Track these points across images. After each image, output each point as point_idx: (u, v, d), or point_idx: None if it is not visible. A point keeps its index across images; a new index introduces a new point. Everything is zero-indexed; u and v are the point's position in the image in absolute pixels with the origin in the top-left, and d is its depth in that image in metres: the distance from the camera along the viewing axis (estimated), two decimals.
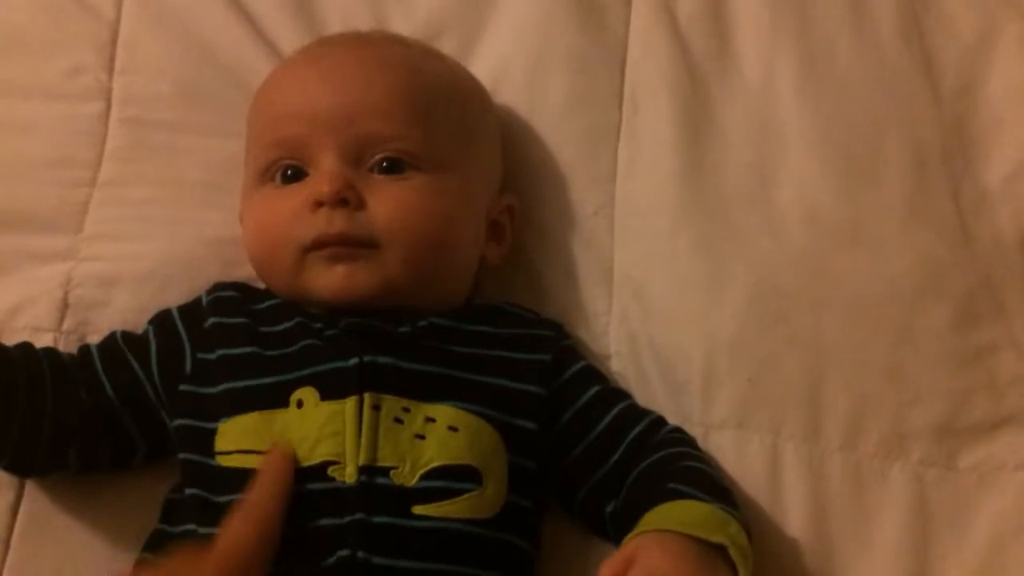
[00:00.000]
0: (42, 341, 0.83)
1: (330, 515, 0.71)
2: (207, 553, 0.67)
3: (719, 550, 0.69)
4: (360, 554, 0.70)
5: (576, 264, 0.90)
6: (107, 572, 0.78)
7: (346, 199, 0.77)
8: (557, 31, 0.95)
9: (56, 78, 0.92)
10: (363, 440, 0.72)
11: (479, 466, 0.74)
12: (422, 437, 0.74)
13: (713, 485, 0.76)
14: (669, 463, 0.77)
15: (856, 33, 0.95)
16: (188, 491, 0.74)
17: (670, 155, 0.91)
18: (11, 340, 0.80)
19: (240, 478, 0.72)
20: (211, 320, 0.80)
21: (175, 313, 0.83)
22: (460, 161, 0.82)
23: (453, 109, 0.84)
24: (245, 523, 0.69)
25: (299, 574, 0.70)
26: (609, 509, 0.78)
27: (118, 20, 0.94)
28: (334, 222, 0.77)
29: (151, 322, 0.83)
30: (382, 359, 0.76)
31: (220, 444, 0.74)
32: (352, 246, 0.77)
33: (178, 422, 0.78)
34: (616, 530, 0.76)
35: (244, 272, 0.85)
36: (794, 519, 0.82)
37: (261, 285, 0.84)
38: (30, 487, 0.81)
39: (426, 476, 0.73)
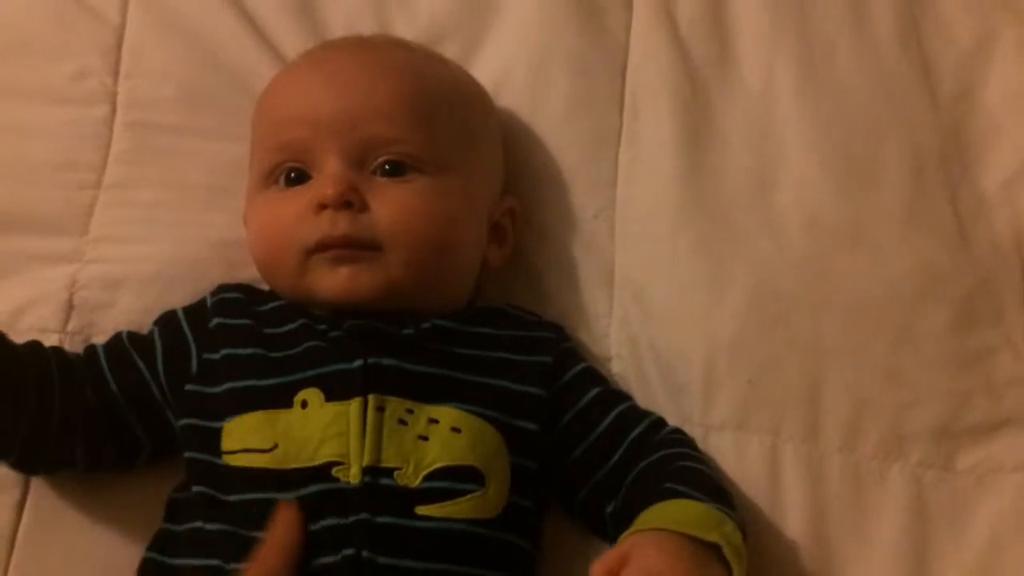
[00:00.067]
0: (47, 342, 0.82)
1: (334, 515, 0.72)
2: None
3: (714, 549, 0.70)
4: (364, 554, 0.71)
5: (577, 267, 0.90)
6: (111, 569, 0.79)
7: (350, 201, 0.78)
8: (558, 35, 0.95)
9: (61, 82, 0.93)
10: (367, 441, 0.73)
11: (481, 467, 0.75)
12: (425, 438, 0.74)
13: (709, 485, 0.76)
14: (667, 463, 0.78)
15: (855, 38, 0.96)
16: (195, 489, 0.75)
17: (670, 159, 0.92)
18: (17, 340, 0.80)
19: (246, 477, 0.73)
20: (216, 321, 0.81)
21: (180, 314, 0.83)
22: (462, 164, 0.83)
23: (455, 112, 0.84)
24: None
25: (304, 574, 0.71)
26: (609, 509, 0.79)
27: (123, 24, 0.95)
28: (338, 224, 0.78)
29: (156, 323, 0.84)
30: (386, 361, 0.76)
31: (226, 443, 0.75)
32: (355, 248, 0.78)
33: (184, 422, 0.78)
34: (616, 530, 0.76)
35: (248, 274, 0.86)
36: (793, 520, 0.82)
37: (265, 287, 0.85)
38: (36, 485, 0.81)
39: (429, 477, 0.73)
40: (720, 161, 0.92)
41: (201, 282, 0.86)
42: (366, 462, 0.73)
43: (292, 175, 0.81)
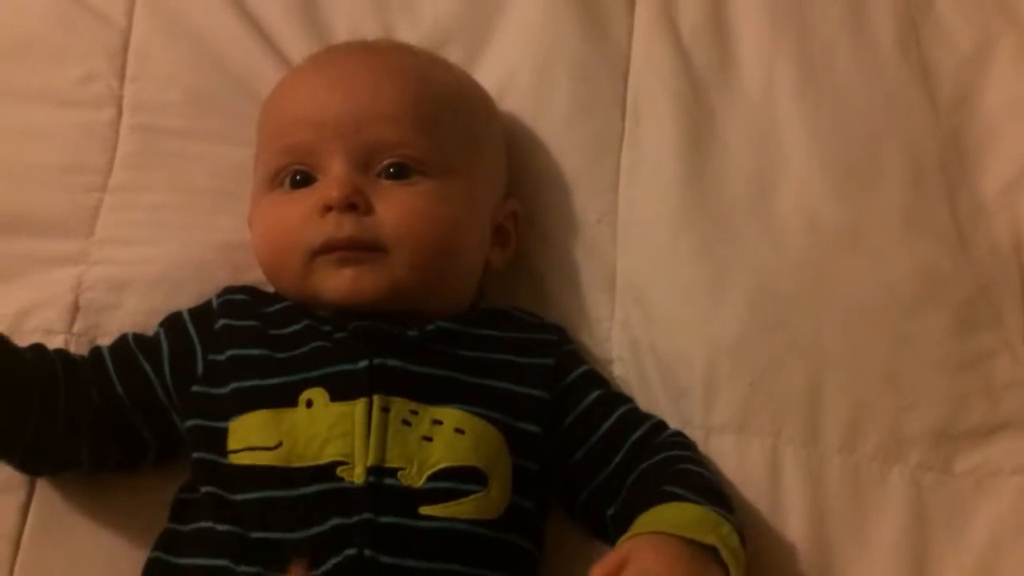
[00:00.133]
0: (53, 343, 0.84)
1: (338, 514, 0.72)
2: None
3: (711, 551, 0.70)
4: (367, 553, 0.71)
5: (579, 270, 0.91)
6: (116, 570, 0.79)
7: (355, 204, 0.79)
8: (561, 41, 0.96)
9: (68, 85, 0.93)
10: (372, 441, 0.74)
11: (484, 468, 0.75)
12: (429, 439, 0.75)
13: (708, 488, 0.77)
14: (667, 466, 0.78)
15: (855, 44, 0.97)
16: (203, 489, 0.75)
17: (672, 163, 0.92)
18: (22, 342, 0.80)
19: (251, 475, 0.74)
20: (221, 322, 0.81)
21: (186, 316, 0.84)
22: (466, 167, 0.84)
23: (459, 116, 0.85)
24: None
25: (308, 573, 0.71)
26: (610, 512, 0.79)
27: (129, 28, 0.95)
28: (343, 226, 0.78)
29: (162, 325, 0.84)
30: (391, 362, 0.77)
31: (231, 442, 0.75)
32: (360, 250, 0.79)
33: (190, 423, 0.79)
34: (616, 532, 0.76)
35: (253, 276, 0.86)
36: (794, 522, 0.82)
37: (270, 289, 0.85)
38: (41, 487, 0.81)
39: (433, 477, 0.74)
40: (721, 165, 0.92)
41: (207, 284, 0.86)
42: (370, 462, 0.73)
43: (297, 177, 0.82)
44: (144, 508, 0.80)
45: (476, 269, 0.86)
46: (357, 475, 0.73)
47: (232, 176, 0.90)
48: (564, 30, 0.96)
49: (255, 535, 0.72)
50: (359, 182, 0.80)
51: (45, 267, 0.88)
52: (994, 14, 0.98)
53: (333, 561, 0.71)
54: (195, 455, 0.77)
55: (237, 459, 0.75)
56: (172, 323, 0.84)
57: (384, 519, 0.72)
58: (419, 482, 0.74)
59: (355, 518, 0.72)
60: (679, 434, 0.83)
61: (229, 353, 0.79)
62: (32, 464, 0.79)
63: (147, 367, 0.81)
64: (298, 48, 0.95)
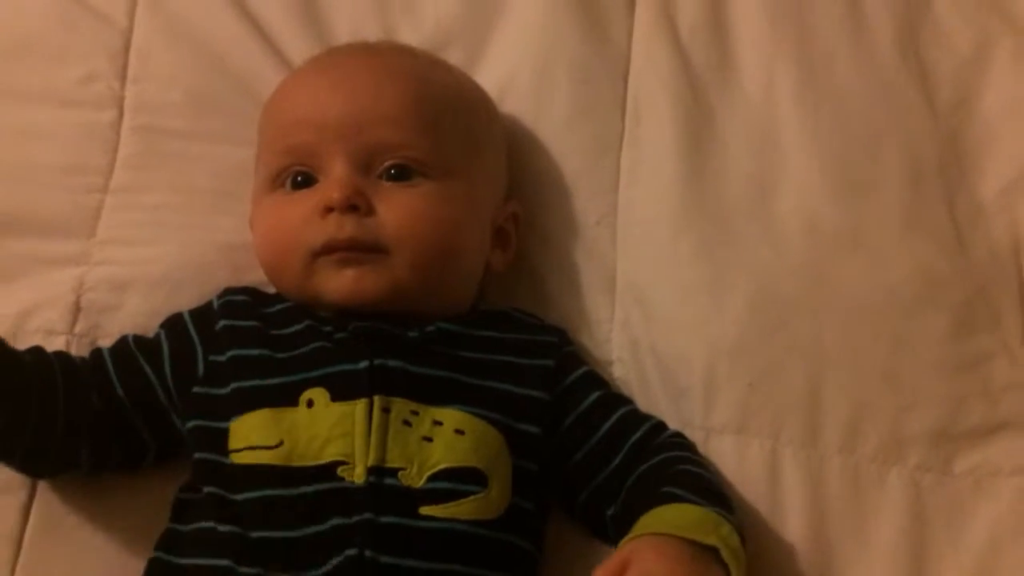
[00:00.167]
0: (54, 344, 0.84)
1: (338, 514, 0.72)
2: None
3: (712, 552, 0.70)
4: (368, 553, 0.71)
5: (579, 271, 0.91)
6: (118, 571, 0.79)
7: (356, 205, 0.79)
8: (561, 43, 0.96)
9: (69, 86, 0.93)
10: (372, 441, 0.74)
11: (484, 469, 0.75)
12: (429, 440, 0.75)
13: (708, 488, 0.77)
14: (667, 467, 0.79)
15: (854, 46, 0.97)
16: (205, 490, 0.75)
17: (672, 164, 0.93)
18: (24, 342, 0.82)
19: (252, 474, 0.74)
20: (222, 323, 0.81)
21: (187, 317, 0.84)
22: (466, 169, 0.84)
23: (460, 118, 0.85)
24: None
25: (307, 573, 0.71)
26: (610, 513, 0.79)
27: (131, 29, 0.96)
28: (344, 227, 0.79)
29: (163, 326, 0.84)
30: (391, 363, 0.77)
31: (232, 442, 0.76)
32: (361, 251, 0.79)
33: (192, 424, 0.79)
34: (616, 533, 0.77)
35: (254, 277, 0.86)
36: (793, 522, 0.83)
37: (271, 290, 0.85)
38: (42, 487, 0.82)
39: (433, 478, 0.74)
40: (721, 166, 0.93)
41: (207, 285, 0.86)
42: (371, 462, 0.73)
43: (298, 178, 0.82)
44: (145, 508, 0.80)
45: (476, 270, 0.86)
46: (357, 475, 0.73)
47: (233, 177, 0.90)
48: (564, 32, 0.96)
49: (255, 534, 0.72)
50: (360, 183, 0.80)
51: (46, 268, 0.88)
52: (992, 16, 0.98)
53: (334, 561, 0.71)
54: (196, 455, 0.77)
55: (238, 458, 0.75)
56: (173, 324, 0.84)
57: (384, 519, 0.72)
58: (419, 482, 0.74)
59: (355, 518, 0.72)
60: (679, 435, 0.83)
61: (230, 353, 0.79)
62: (32, 466, 0.79)
63: (148, 369, 0.81)
64: (299, 49, 0.95)
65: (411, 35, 0.97)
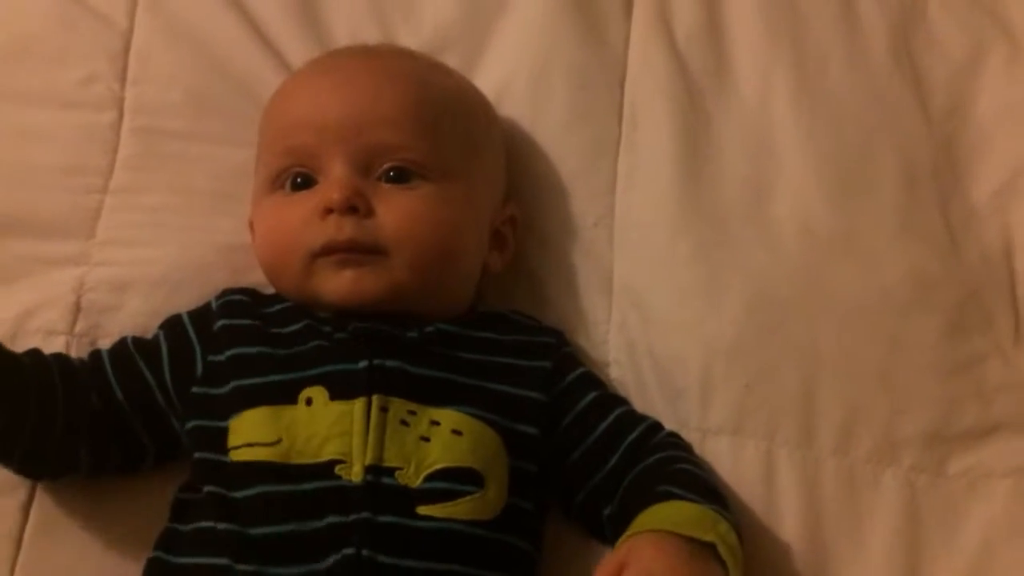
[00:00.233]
0: (54, 344, 0.85)
1: (336, 512, 0.72)
2: None
3: (710, 548, 0.71)
4: (365, 552, 0.71)
5: (576, 273, 0.91)
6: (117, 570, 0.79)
7: (355, 206, 0.79)
8: (559, 47, 0.97)
9: (69, 87, 0.94)
10: (370, 440, 0.74)
11: (481, 469, 0.76)
12: (427, 439, 0.76)
13: (704, 487, 0.77)
14: (663, 466, 0.79)
15: (848, 52, 0.98)
16: (205, 489, 0.76)
17: (668, 168, 0.93)
18: (24, 342, 0.82)
19: (250, 471, 0.74)
20: (221, 322, 0.82)
21: (185, 318, 0.84)
22: (465, 172, 0.84)
23: (459, 121, 0.86)
24: None
25: (304, 571, 0.72)
26: (607, 512, 0.80)
27: (131, 30, 0.96)
28: (343, 229, 0.79)
29: (161, 327, 0.85)
30: (390, 363, 0.77)
31: (232, 439, 0.76)
32: (360, 252, 0.79)
33: (191, 424, 0.79)
34: (613, 533, 0.77)
35: (253, 278, 0.87)
36: (789, 523, 0.83)
37: (269, 291, 0.86)
38: (42, 487, 0.82)
39: (430, 477, 0.74)
40: (717, 170, 0.93)
41: (207, 286, 0.86)
42: (368, 461, 0.74)
43: (298, 180, 0.83)
44: (145, 508, 0.81)
45: (474, 272, 0.87)
46: (355, 473, 0.73)
47: (232, 178, 0.91)
48: (561, 36, 0.97)
49: (253, 531, 0.73)
50: (360, 185, 0.80)
51: (46, 268, 0.88)
52: (985, 22, 0.99)
53: (331, 559, 0.71)
54: (196, 455, 0.78)
55: (237, 455, 0.75)
56: (171, 325, 0.84)
57: (382, 518, 0.72)
58: (416, 482, 0.74)
59: (353, 516, 0.72)
60: (674, 435, 0.83)
61: (229, 353, 0.79)
62: (30, 468, 0.79)
63: (146, 371, 0.81)
64: (298, 51, 0.95)
65: (409, 38, 0.97)
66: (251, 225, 0.87)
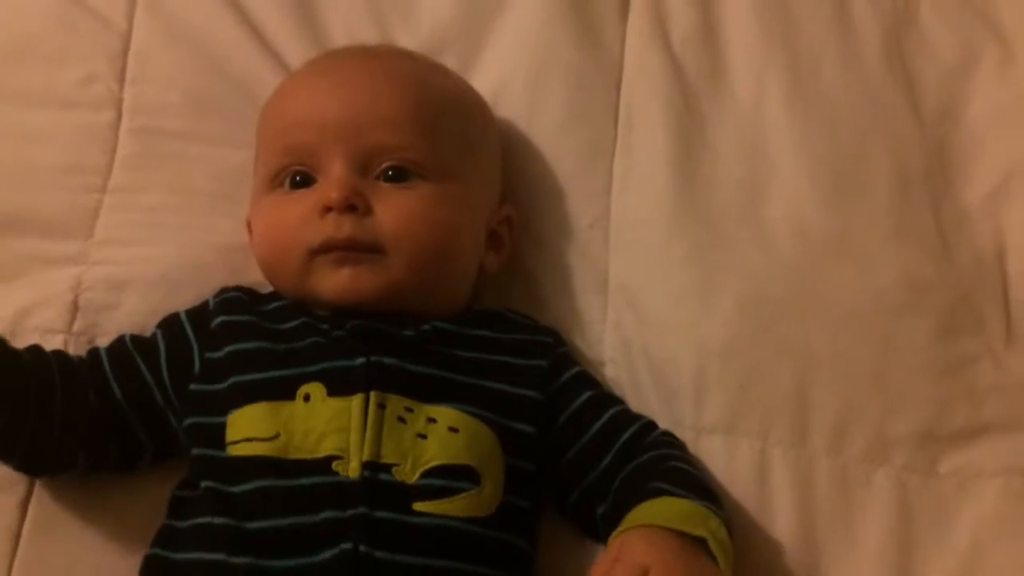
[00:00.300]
0: (52, 342, 0.85)
1: (332, 508, 0.73)
2: None
3: (701, 544, 0.72)
4: (362, 548, 0.72)
5: (572, 274, 0.92)
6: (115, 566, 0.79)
7: (354, 205, 0.80)
8: (555, 49, 0.97)
9: (69, 87, 0.94)
10: (367, 437, 0.75)
11: (477, 466, 0.76)
12: (423, 436, 0.76)
13: (696, 484, 0.78)
14: (656, 465, 0.79)
15: (842, 55, 0.98)
16: (203, 484, 0.76)
17: (663, 170, 0.94)
18: (22, 340, 0.82)
19: (248, 465, 0.74)
20: (219, 320, 0.82)
21: (183, 316, 0.84)
22: (463, 172, 0.85)
23: (457, 122, 0.86)
24: None
25: (300, 564, 0.72)
26: (600, 511, 0.80)
27: (130, 31, 0.96)
28: (342, 227, 0.80)
29: (159, 326, 0.85)
30: (388, 360, 0.78)
31: (229, 434, 0.76)
32: (359, 251, 0.80)
33: (189, 421, 0.79)
34: (607, 531, 0.77)
35: (251, 278, 0.87)
36: (781, 521, 0.84)
37: (267, 290, 0.86)
38: (40, 483, 0.82)
39: (426, 474, 0.75)
40: (712, 172, 0.94)
41: (205, 286, 0.87)
42: (365, 457, 0.74)
43: (297, 178, 0.83)
44: (142, 505, 0.81)
45: (471, 272, 0.87)
46: (352, 469, 0.74)
47: (231, 179, 0.91)
48: (558, 38, 0.98)
49: (250, 525, 0.73)
50: (359, 184, 0.81)
51: (45, 267, 0.89)
52: (976, 25, 1.00)
53: (327, 553, 0.72)
54: (194, 451, 0.78)
55: (235, 450, 0.75)
56: (169, 324, 0.85)
57: (379, 514, 0.73)
58: (413, 478, 0.74)
59: (350, 512, 0.73)
60: (668, 434, 0.84)
61: (228, 349, 0.80)
62: (29, 465, 0.80)
63: (144, 370, 0.81)
64: (296, 52, 0.96)
65: (407, 39, 0.98)
66: (248, 225, 0.88)
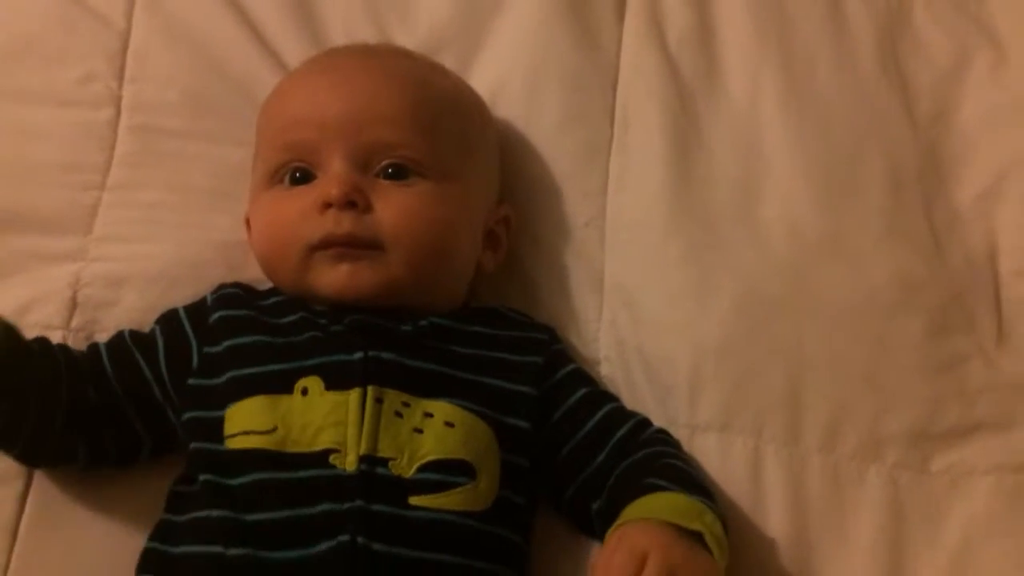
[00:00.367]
0: (51, 338, 0.83)
1: (330, 500, 0.73)
2: None
3: (696, 537, 0.72)
4: (360, 540, 0.72)
5: (568, 273, 0.92)
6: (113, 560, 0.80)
7: (354, 201, 0.80)
8: (553, 50, 0.98)
9: (68, 85, 0.95)
10: (365, 430, 0.75)
11: (473, 461, 0.77)
12: (420, 431, 0.76)
13: (691, 479, 0.78)
14: (650, 461, 0.80)
15: (836, 56, 0.99)
16: (201, 478, 0.76)
17: (659, 170, 0.94)
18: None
19: (246, 458, 0.75)
20: (217, 315, 0.83)
21: (181, 312, 0.85)
22: (461, 171, 0.86)
23: (456, 121, 0.87)
24: None
25: (297, 556, 0.72)
26: (595, 507, 0.81)
27: (129, 30, 0.97)
28: (341, 223, 0.80)
29: (158, 321, 0.85)
30: (385, 355, 0.78)
31: (227, 428, 0.77)
32: (358, 247, 0.80)
33: (188, 415, 0.80)
34: (602, 528, 0.78)
35: (249, 275, 0.88)
36: (775, 518, 0.84)
37: (265, 287, 0.87)
38: (39, 477, 0.82)
39: (422, 468, 0.75)
40: (707, 172, 0.94)
41: (203, 282, 0.87)
42: (363, 451, 0.74)
43: (297, 175, 0.84)
44: (141, 499, 0.81)
45: (468, 271, 0.88)
46: (349, 463, 0.74)
47: (229, 176, 0.92)
48: (555, 39, 0.98)
49: (248, 518, 0.73)
50: (358, 181, 0.81)
51: (44, 264, 0.89)
52: (970, 28, 1.01)
53: (324, 545, 0.72)
54: (192, 445, 0.78)
55: (233, 443, 0.76)
56: (168, 319, 0.85)
57: (375, 507, 0.73)
58: (409, 472, 0.75)
59: (347, 505, 0.73)
60: (663, 431, 0.84)
61: (226, 344, 0.80)
62: (30, 456, 0.80)
63: (143, 364, 0.82)
64: (294, 52, 0.96)
65: (405, 39, 0.98)
66: (247, 222, 0.88)
